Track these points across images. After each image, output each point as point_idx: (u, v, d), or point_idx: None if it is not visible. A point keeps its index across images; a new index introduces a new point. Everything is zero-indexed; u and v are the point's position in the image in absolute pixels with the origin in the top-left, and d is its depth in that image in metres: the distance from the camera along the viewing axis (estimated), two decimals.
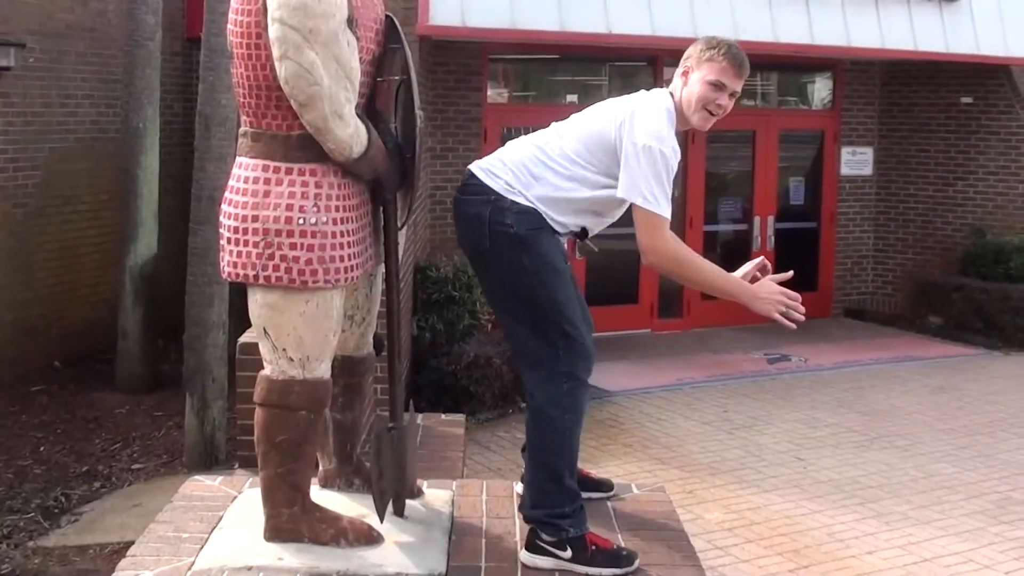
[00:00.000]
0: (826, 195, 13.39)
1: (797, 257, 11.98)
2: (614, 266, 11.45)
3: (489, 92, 11.66)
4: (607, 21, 10.09)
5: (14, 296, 9.44)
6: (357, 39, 3.19)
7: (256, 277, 3.22)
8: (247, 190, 3.23)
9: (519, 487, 3.92)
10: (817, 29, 11.09)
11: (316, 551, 3.32)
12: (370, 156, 3.26)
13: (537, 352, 3.53)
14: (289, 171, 3.22)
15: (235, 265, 3.25)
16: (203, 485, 4.02)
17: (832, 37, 11.20)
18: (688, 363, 10.91)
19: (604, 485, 4.08)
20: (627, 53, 11.95)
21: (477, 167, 3.65)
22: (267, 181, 3.22)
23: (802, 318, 3.51)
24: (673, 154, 3.48)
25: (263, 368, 3.33)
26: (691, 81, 3.61)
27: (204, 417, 7.47)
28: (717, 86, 3.57)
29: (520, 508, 3.65)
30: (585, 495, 3.69)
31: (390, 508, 3.55)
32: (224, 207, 3.29)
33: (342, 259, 3.25)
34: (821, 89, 13.65)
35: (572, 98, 12.24)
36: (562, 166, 3.57)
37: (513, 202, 3.52)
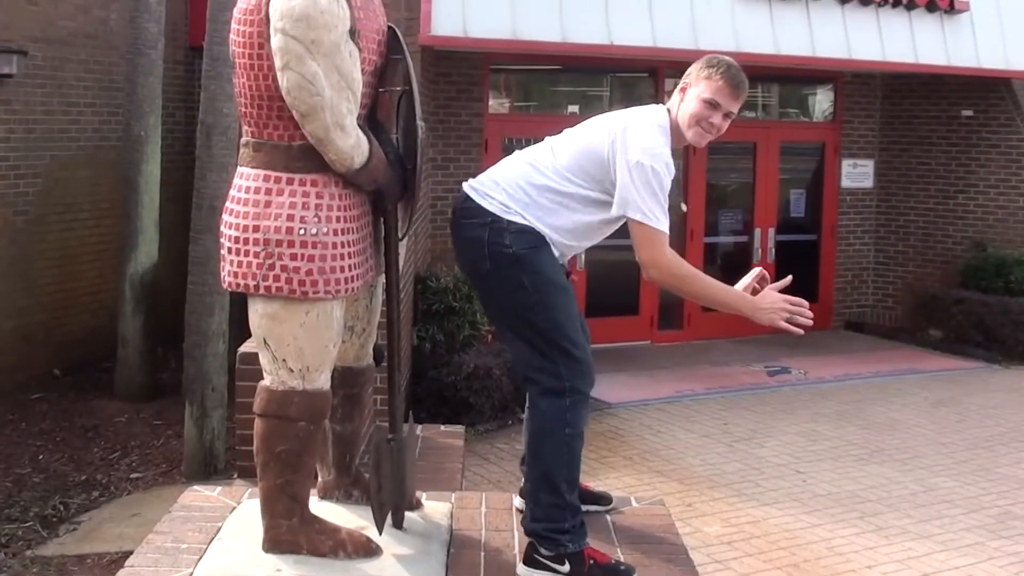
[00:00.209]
0: (827, 207, 13.39)
1: (797, 269, 11.79)
2: (615, 278, 11.47)
3: (490, 102, 11.67)
4: (609, 32, 10.11)
5: (14, 303, 9.44)
6: (359, 50, 3.19)
7: (256, 287, 3.21)
8: (248, 200, 3.23)
9: (518, 500, 3.92)
10: (818, 41, 11.10)
11: (314, 563, 3.30)
12: (371, 167, 3.26)
13: (539, 368, 3.52)
14: (290, 181, 3.21)
15: (236, 275, 3.25)
16: (202, 495, 4.02)
17: (833, 49, 11.22)
18: (688, 375, 10.91)
19: (603, 498, 4.07)
20: (629, 64, 11.96)
21: (471, 188, 3.65)
22: (268, 191, 3.21)
23: (809, 323, 3.50)
24: (666, 169, 3.48)
25: (263, 378, 3.33)
26: (688, 97, 3.61)
27: (203, 426, 7.46)
28: (712, 104, 3.57)
29: (522, 522, 3.65)
30: (584, 508, 3.68)
31: (389, 520, 3.54)
32: (225, 217, 3.29)
33: (343, 270, 3.24)
34: (822, 101, 13.66)
35: (573, 109, 12.26)
36: (556, 182, 3.57)
37: (510, 222, 3.52)
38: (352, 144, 3.17)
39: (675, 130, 3.62)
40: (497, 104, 11.93)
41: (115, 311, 9.34)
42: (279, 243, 3.18)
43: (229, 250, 3.26)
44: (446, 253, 10.27)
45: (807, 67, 11.92)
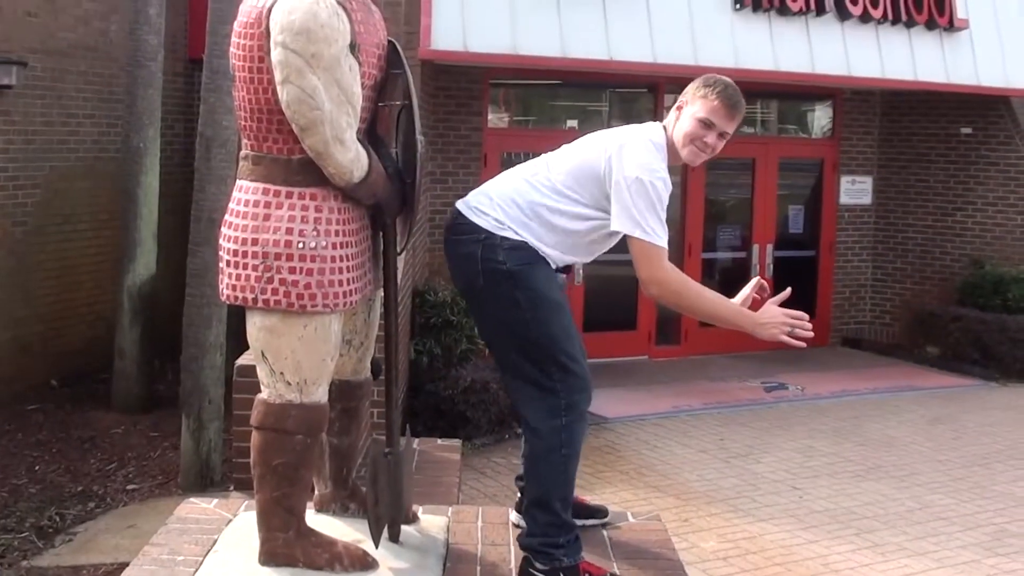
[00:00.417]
0: (825, 224, 13.41)
1: (796, 285, 11.82)
2: (612, 292, 11.48)
3: (490, 116, 11.69)
4: (608, 47, 10.13)
5: (12, 314, 9.44)
6: (359, 64, 3.20)
7: (255, 300, 3.22)
8: (247, 213, 3.23)
9: (514, 515, 3.92)
10: (818, 58, 11.13)
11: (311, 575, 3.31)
12: (370, 181, 3.26)
13: (536, 386, 3.52)
14: (289, 195, 3.22)
15: (234, 288, 3.25)
16: (198, 507, 4.01)
17: (832, 66, 11.24)
18: (685, 390, 10.90)
19: (599, 511, 4.07)
20: (628, 79, 11.98)
21: (464, 205, 3.64)
22: (267, 204, 3.22)
23: (810, 335, 3.50)
24: (664, 185, 3.49)
25: (260, 391, 3.33)
26: (683, 116, 3.62)
27: (200, 438, 7.46)
28: (706, 124, 3.57)
29: (518, 537, 3.65)
30: (580, 522, 3.68)
31: (385, 533, 3.53)
32: (224, 230, 3.29)
33: (341, 283, 3.25)
34: (821, 118, 13.69)
35: (572, 123, 12.27)
36: (551, 198, 3.57)
37: (504, 238, 3.52)
38: (351, 158, 3.18)
39: (671, 148, 3.63)
40: (496, 119, 11.95)
41: (113, 322, 9.34)
42: (278, 256, 3.19)
43: (228, 263, 3.26)
44: (444, 267, 10.14)
45: (806, 83, 11.94)
